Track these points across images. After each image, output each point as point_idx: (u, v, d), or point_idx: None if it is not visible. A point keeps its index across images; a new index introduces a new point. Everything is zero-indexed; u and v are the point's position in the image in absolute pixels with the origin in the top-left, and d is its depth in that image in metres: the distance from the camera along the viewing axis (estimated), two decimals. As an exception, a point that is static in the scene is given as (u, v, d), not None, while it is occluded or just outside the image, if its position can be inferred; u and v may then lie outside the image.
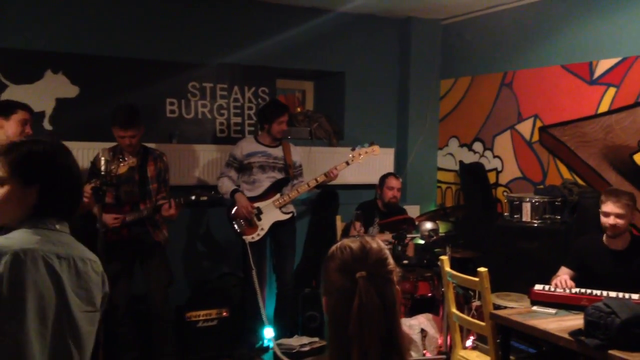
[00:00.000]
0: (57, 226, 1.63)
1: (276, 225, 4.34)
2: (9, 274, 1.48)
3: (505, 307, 3.50)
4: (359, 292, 1.37)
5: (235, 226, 4.31)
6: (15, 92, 4.12)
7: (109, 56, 4.45)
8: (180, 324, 4.26)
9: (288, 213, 4.40)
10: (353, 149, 4.45)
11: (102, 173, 3.17)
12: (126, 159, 3.61)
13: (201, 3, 4.75)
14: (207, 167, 4.76)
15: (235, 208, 4.27)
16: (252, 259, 4.22)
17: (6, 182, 1.57)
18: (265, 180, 4.34)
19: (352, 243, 1.45)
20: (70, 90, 4.33)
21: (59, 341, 1.56)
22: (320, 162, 4.92)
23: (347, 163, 4.38)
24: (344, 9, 5.12)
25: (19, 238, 1.55)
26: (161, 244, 3.89)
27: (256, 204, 4.29)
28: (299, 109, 6.14)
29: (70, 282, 1.59)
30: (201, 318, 4.29)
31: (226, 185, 4.30)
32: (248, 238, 4.26)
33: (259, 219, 4.29)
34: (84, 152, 4.14)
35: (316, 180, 4.34)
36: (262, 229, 4.30)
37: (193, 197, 3.72)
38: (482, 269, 3.08)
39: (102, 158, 3.20)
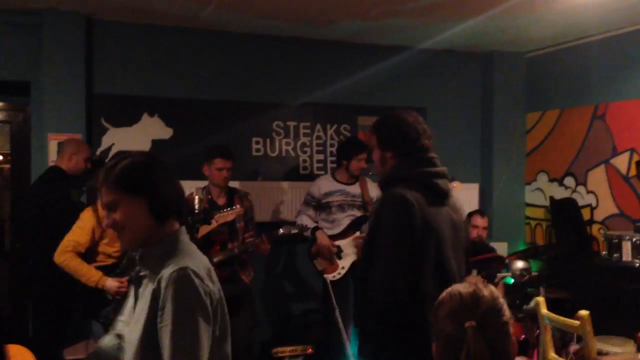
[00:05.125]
0: (181, 233, 1.67)
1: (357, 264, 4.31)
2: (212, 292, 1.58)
3: (608, 353, 3.30)
4: (467, 342, 1.32)
5: (317, 265, 4.30)
6: (115, 135, 4.40)
7: (199, 99, 4.67)
8: (266, 359, 4.28)
9: None
10: None
11: (196, 211, 3.28)
12: (235, 207, 3.70)
13: (284, 46, 4.91)
14: (291, 204, 4.83)
15: (316, 246, 4.28)
16: (335, 297, 4.19)
17: (120, 201, 1.58)
18: (344, 219, 4.32)
19: (463, 289, 1.40)
20: (165, 132, 4.57)
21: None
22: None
23: None
24: (425, 45, 5.13)
25: (189, 257, 1.62)
26: (248, 284, 3.94)
27: (336, 243, 4.28)
28: (379, 146, 6.14)
29: None
30: (287, 354, 4.29)
31: (306, 223, 4.32)
32: (329, 277, 4.24)
33: (340, 258, 4.27)
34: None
35: None
36: (343, 267, 4.26)
37: (281, 231, 3.76)
38: (583, 312, 2.91)
39: (197, 197, 3.31)
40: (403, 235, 2.10)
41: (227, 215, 3.65)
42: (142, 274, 1.65)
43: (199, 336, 1.50)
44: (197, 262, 1.60)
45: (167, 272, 1.54)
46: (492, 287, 1.43)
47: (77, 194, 4.28)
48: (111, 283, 3.36)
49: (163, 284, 1.52)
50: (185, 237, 1.67)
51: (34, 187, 4.08)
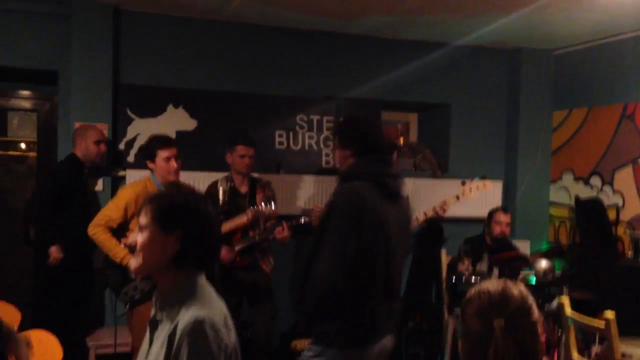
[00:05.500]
0: (200, 278, 1.65)
1: None
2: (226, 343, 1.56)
3: (632, 355, 3.25)
4: (495, 341, 1.30)
5: None
6: (140, 126, 4.44)
7: (224, 91, 4.69)
8: (284, 352, 4.30)
9: None
10: (463, 183, 4.35)
11: (220, 202, 3.30)
12: (272, 206, 3.71)
13: (309, 40, 4.90)
14: (313, 197, 4.83)
15: None
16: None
17: (147, 228, 1.62)
18: None
19: (492, 286, 1.38)
20: (189, 124, 4.58)
21: None
22: (424, 195, 4.85)
23: (458, 197, 4.28)
24: (452, 41, 5.08)
25: (207, 305, 1.59)
26: (268, 273, 3.96)
27: None
28: (401, 140, 6.12)
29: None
30: (305, 347, 4.29)
31: None
32: None
33: None
34: (201, 182, 4.33)
35: (425, 214, 4.26)
36: None
37: (303, 220, 3.77)
38: (609, 313, 2.88)
39: (221, 188, 3.33)
40: (352, 226, 2.23)
41: (265, 211, 3.67)
42: (158, 318, 1.64)
43: None
44: (214, 310, 1.59)
45: (183, 319, 1.54)
46: (522, 286, 1.41)
47: (94, 183, 4.31)
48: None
49: (178, 333, 1.52)
50: (203, 281, 1.66)
51: (48, 174, 4.17)
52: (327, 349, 2.26)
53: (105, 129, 4.24)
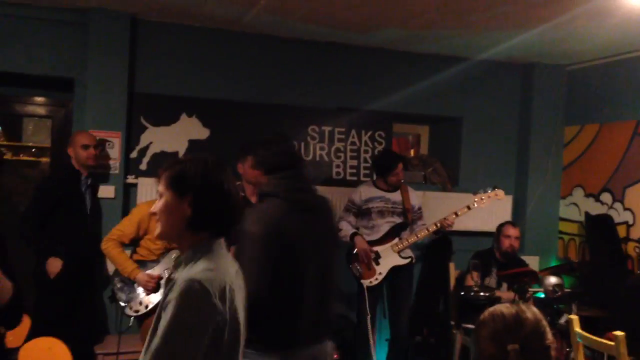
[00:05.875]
0: (216, 244, 1.68)
1: (394, 270, 4.31)
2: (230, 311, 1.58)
3: (641, 376, 3.22)
4: None
5: (353, 270, 4.32)
6: (154, 134, 4.48)
7: (237, 101, 4.72)
8: None
9: (407, 258, 4.36)
10: (475, 193, 4.36)
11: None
12: None
13: (323, 51, 4.93)
14: (322, 208, 4.85)
15: (355, 251, 4.29)
16: (369, 303, 4.20)
17: (164, 194, 1.68)
18: (383, 225, 4.34)
19: (506, 310, 1.39)
20: (202, 133, 4.61)
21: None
22: (433, 208, 4.85)
23: (469, 207, 4.28)
24: (465, 55, 5.09)
25: (210, 270, 1.60)
26: None
27: (375, 248, 4.29)
28: (412, 152, 6.13)
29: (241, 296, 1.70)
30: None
31: (345, 229, 4.34)
32: (366, 282, 4.25)
33: (378, 263, 4.28)
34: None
35: (436, 225, 4.28)
36: (380, 273, 4.28)
37: None
38: (618, 333, 2.86)
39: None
40: (264, 247, 2.30)
41: None
42: (172, 277, 1.67)
43: (182, 352, 1.49)
44: (216, 276, 1.58)
45: (182, 276, 1.57)
46: (535, 309, 1.41)
47: (96, 190, 4.18)
48: (142, 276, 3.49)
49: (173, 289, 1.55)
50: (218, 247, 1.68)
51: (38, 184, 4.21)
52: (251, 354, 2.30)
53: (118, 136, 4.29)
